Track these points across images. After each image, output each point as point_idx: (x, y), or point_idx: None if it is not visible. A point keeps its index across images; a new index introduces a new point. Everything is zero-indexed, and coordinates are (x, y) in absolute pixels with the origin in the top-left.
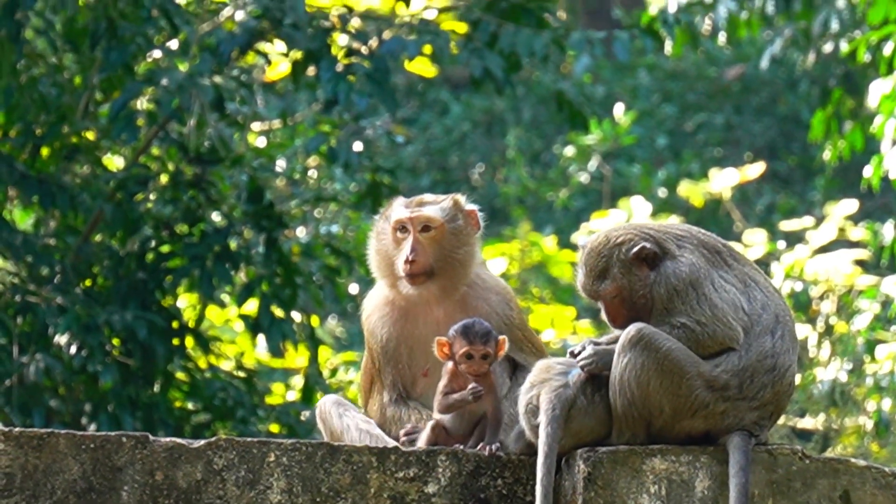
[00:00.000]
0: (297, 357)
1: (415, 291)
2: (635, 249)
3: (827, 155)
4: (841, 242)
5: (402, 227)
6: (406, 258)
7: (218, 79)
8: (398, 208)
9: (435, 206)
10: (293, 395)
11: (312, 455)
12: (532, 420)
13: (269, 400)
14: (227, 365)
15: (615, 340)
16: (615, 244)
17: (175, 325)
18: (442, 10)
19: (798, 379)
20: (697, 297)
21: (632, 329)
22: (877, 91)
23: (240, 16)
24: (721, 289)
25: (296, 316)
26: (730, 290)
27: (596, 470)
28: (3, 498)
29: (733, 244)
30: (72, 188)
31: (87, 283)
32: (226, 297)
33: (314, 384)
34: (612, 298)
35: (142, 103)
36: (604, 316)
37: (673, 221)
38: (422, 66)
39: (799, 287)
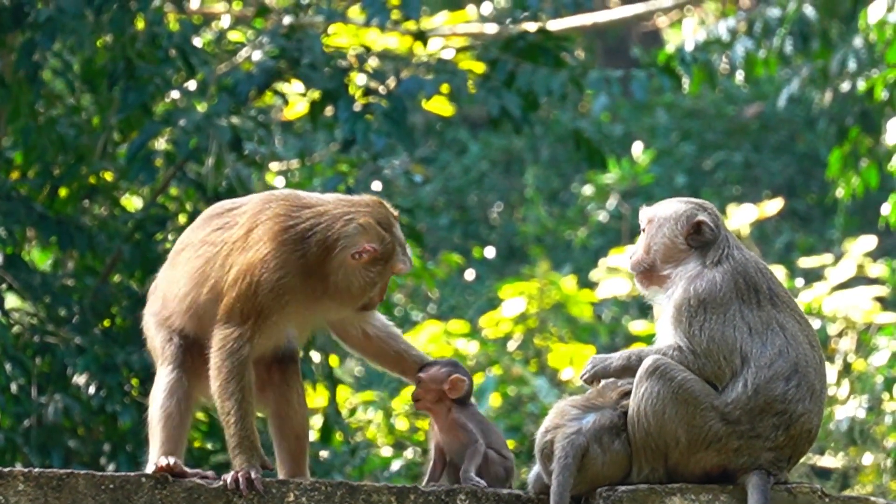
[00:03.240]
0: (315, 397)
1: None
2: (698, 219)
3: (840, 192)
4: (860, 279)
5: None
6: (378, 300)
7: (235, 119)
8: (402, 258)
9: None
10: (312, 436)
11: (332, 495)
12: (547, 464)
13: None
14: None
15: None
16: (693, 206)
17: None
18: (459, 50)
19: None
20: (702, 322)
21: (648, 360)
22: (894, 129)
23: (257, 56)
24: (730, 324)
25: (314, 356)
26: (740, 329)
27: None
28: None
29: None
30: (90, 229)
31: (106, 323)
32: None
33: (333, 424)
34: (645, 226)
35: (160, 144)
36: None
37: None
38: (439, 106)
39: (817, 324)
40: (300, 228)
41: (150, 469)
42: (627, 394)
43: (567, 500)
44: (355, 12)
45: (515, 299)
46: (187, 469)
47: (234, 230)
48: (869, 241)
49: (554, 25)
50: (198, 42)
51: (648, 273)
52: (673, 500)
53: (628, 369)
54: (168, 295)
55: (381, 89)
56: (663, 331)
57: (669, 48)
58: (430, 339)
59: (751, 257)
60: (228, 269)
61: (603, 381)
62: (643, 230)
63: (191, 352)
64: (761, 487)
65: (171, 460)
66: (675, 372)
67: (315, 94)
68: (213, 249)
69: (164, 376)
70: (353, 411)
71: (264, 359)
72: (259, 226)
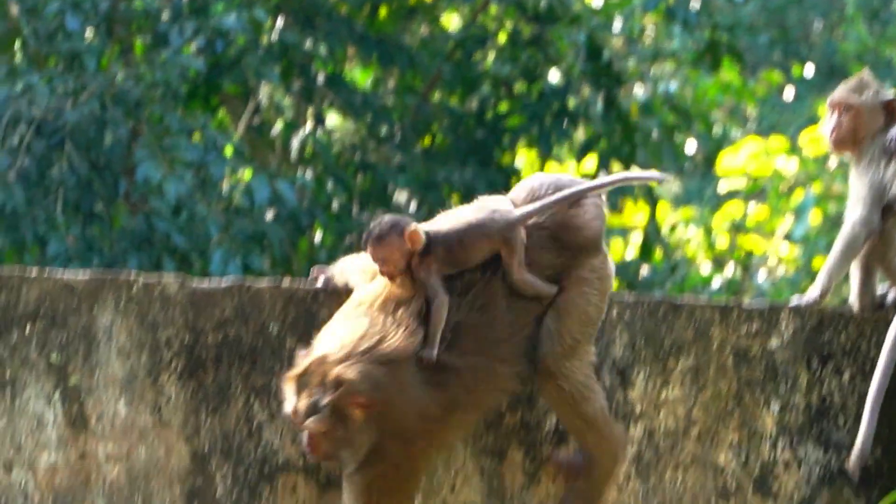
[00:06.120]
0: (635, 214)
1: None
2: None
3: None
4: None
5: None
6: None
7: None
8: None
9: None
10: (632, 253)
11: (655, 310)
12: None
13: None
14: None
15: None
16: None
17: (514, 182)
18: None
19: None
20: None
21: None
22: None
23: None
24: None
25: None
26: None
27: None
28: None
29: None
30: (410, 48)
31: (426, 141)
32: (564, 154)
33: (653, 241)
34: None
35: None
36: None
37: None
38: None
39: None
40: None
41: None
42: None
43: None
44: None
45: None
46: None
47: None
48: None
49: None
50: None
51: None
52: None
53: None
54: None
55: None
56: None
57: None
58: (750, 156)
59: None
60: None
61: None
62: None
63: None
64: None
65: None
66: None
67: None
68: None
69: None
70: (672, 228)
71: None
72: None
